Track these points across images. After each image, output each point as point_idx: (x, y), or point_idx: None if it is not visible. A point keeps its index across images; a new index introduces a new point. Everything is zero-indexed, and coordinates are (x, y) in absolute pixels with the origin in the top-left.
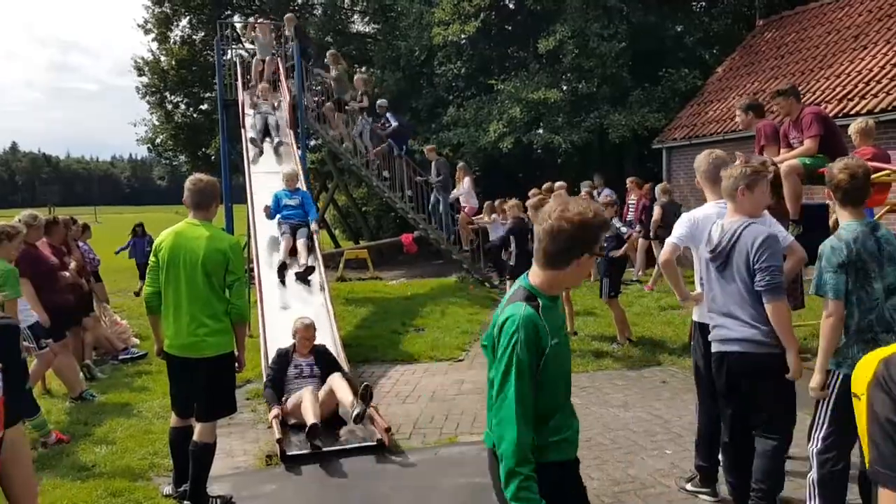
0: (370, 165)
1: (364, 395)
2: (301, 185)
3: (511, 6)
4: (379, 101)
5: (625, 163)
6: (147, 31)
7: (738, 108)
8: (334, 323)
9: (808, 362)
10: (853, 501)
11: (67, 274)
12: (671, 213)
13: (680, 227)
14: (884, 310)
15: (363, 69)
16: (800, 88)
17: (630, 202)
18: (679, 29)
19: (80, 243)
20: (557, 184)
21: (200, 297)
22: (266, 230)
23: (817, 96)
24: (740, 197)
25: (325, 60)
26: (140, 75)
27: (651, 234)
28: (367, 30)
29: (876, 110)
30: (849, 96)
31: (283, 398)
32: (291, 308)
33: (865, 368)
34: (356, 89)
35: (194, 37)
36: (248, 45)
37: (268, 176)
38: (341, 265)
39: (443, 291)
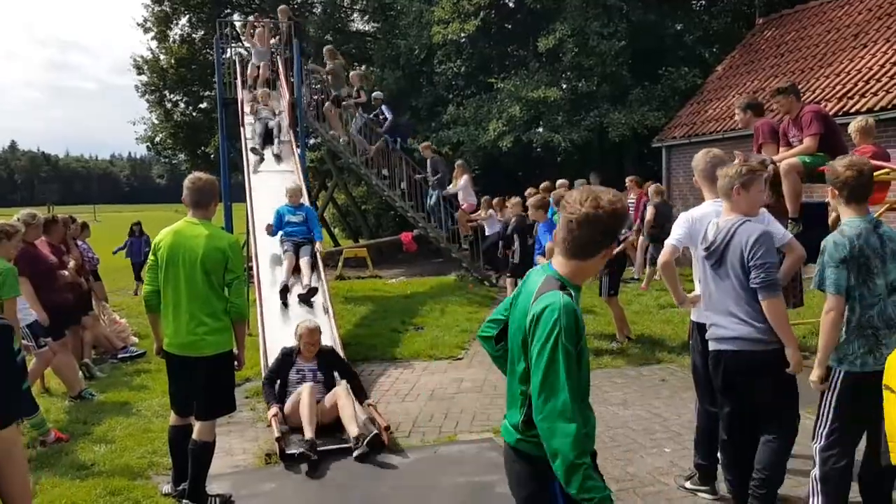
0: (370, 164)
1: (373, 441)
2: (305, 200)
3: (511, 4)
4: (374, 94)
5: (624, 161)
6: (146, 30)
7: (737, 107)
8: (334, 322)
9: (807, 360)
10: (854, 500)
11: (66, 273)
12: (664, 214)
13: (678, 228)
14: (885, 306)
15: (363, 68)
16: (799, 87)
17: (630, 201)
18: (679, 27)
19: (79, 242)
20: (559, 182)
21: (200, 295)
22: (266, 241)
23: (817, 95)
24: (736, 196)
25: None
26: (139, 74)
27: (644, 234)
28: (366, 28)
29: (875, 109)
30: (848, 95)
31: (284, 402)
32: (291, 307)
33: None
34: (352, 85)
35: (194, 35)
36: (247, 44)
37: (268, 175)
38: (340, 263)
39: (442, 290)
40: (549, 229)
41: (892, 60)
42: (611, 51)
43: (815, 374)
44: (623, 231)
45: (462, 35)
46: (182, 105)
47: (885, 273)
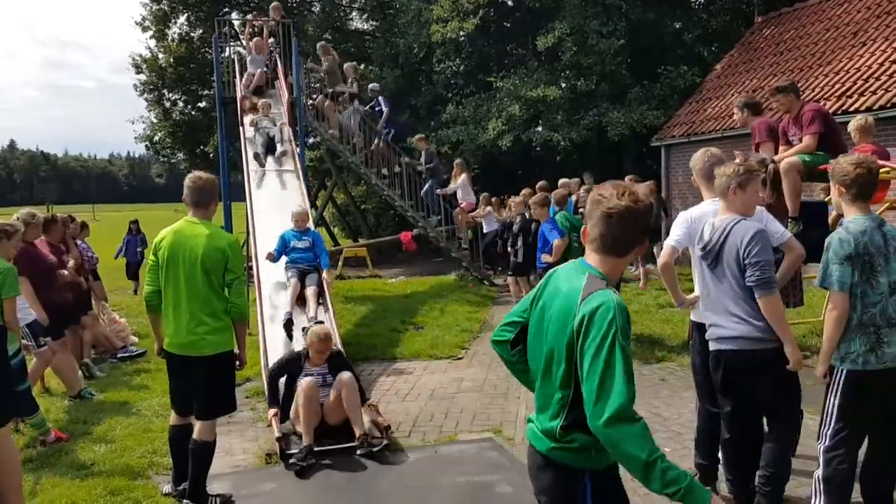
0: (369, 163)
1: (375, 445)
2: (311, 225)
3: (510, 3)
4: (371, 85)
5: (624, 160)
6: (145, 29)
7: (735, 106)
8: (334, 322)
9: (807, 360)
10: (855, 500)
11: (66, 272)
12: (656, 214)
13: (677, 229)
14: (887, 304)
15: (362, 67)
16: (799, 85)
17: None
18: (678, 26)
19: (79, 241)
20: (562, 181)
21: (200, 295)
22: (267, 241)
23: (816, 93)
24: (732, 196)
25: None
26: (138, 73)
27: None
28: (365, 27)
29: (875, 107)
30: (848, 93)
31: (290, 404)
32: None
33: None
34: (347, 77)
35: (192, 34)
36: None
37: (268, 174)
38: (340, 263)
39: (442, 289)
40: (553, 227)
41: (891, 59)
42: (610, 49)
43: (818, 371)
44: None
45: (461, 34)
46: (181, 104)
47: (888, 272)
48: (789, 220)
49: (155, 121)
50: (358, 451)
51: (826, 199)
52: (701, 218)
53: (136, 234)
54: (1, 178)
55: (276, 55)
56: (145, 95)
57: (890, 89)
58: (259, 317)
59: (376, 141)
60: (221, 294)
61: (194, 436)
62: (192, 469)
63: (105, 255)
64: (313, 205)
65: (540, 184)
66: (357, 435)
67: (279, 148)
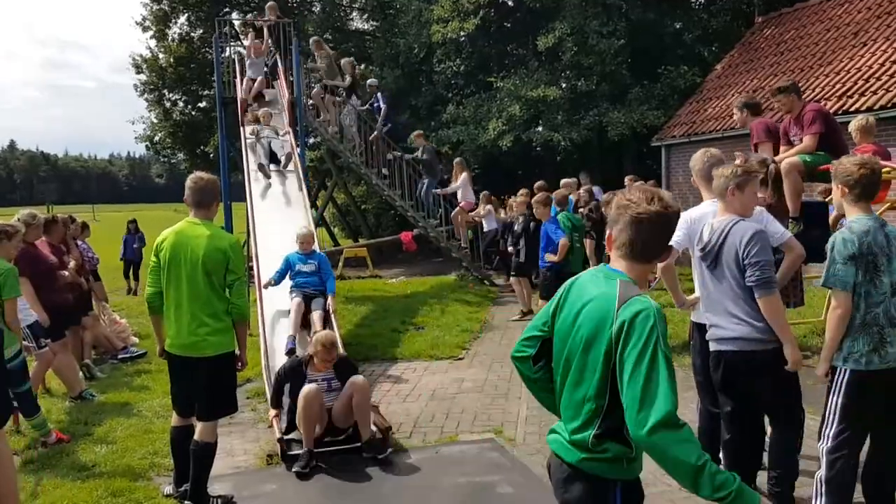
0: (369, 163)
1: (379, 450)
2: (316, 247)
3: (510, 3)
4: (369, 81)
5: (624, 160)
6: (145, 29)
7: (735, 107)
8: (334, 322)
9: (807, 360)
10: (857, 501)
11: (66, 273)
12: None
13: (677, 230)
14: (890, 304)
15: (362, 66)
16: (799, 85)
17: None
18: (678, 26)
19: (79, 242)
20: (564, 181)
21: (201, 296)
22: (267, 240)
23: (817, 93)
24: (730, 197)
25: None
26: (138, 73)
27: None
28: (365, 27)
29: (875, 107)
30: (848, 93)
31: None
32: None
33: None
34: (344, 73)
35: (192, 34)
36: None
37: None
38: (340, 263)
39: (442, 289)
40: (557, 227)
41: (891, 59)
42: (610, 49)
43: (819, 369)
44: None
45: (461, 34)
46: (181, 104)
47: (890, 271)
48: (790, 220)
49: (155, 121)
50: (364, 454)
51: (826, 200)
52: (701, 219)
53: (135, 233)
54: (1, 179)
55: (277, 56)
56: (145, 96)
57: (890, 89)
58: (259, 317)
59: (375, 133)
60: (222, 295)
61: (196, 437)
62: (194, 470)
63: (105, 255)
64: (313, 205)
65: (538, 184)
66: (363, 439)
67: (283, 161)
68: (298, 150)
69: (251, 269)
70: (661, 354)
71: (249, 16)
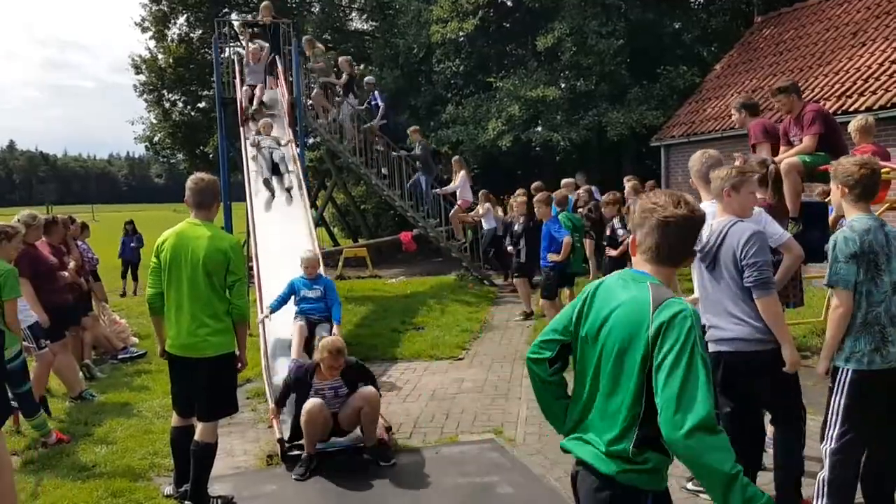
0: (369, 163)
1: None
2: (322, 271)
3: (509, 3)
4: (366, 79)
5: (623, 160)
6: (144, 29)
7: (733, 107)
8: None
9: (806, 360)
10: (857, 500)
11: (66, 274)
12: None
13: None
14: (891, 303)
15: (361, 67)
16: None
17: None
18: (677, 26)
19: (79, 242)
20: (564, 181)
21: (201, 297)
22: (267, 240)
23: (816, 93)
24: (727, 198)
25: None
26: (137, 73)
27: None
28: (365, 27)
29: (875, 107)
30: (847, 93)
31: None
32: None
33: None
34: (342, 70)
35: (192, 35)
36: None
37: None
38: (340, 263)
39: (442, 289)
40: (559, 227)
41: (891, 59)
42: (609, 50)
43: (820, 367)
44: (622, 232)
45: (461, 34)
46: (180, 104)
47: (890, 271)
48: (790, 220)
49: (155, 121)
50: (365, 455)
51: (826, 201)
52: None
53: (132, 234)
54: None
55: (276, 56)
56: (145, 96)
57: (890, 89)
58: (259, 317)
59: (368, 124)
60: (223, 296)
61: (196, 437)
62: (194, 471)
63: (105, 255)
64: (313, 205)
65: (535, 184)
66: (367, 446)
67: (286, 175)
68: (298, 150)
69: (251, 269)
70: (699, 357)
71: (249, 17)
